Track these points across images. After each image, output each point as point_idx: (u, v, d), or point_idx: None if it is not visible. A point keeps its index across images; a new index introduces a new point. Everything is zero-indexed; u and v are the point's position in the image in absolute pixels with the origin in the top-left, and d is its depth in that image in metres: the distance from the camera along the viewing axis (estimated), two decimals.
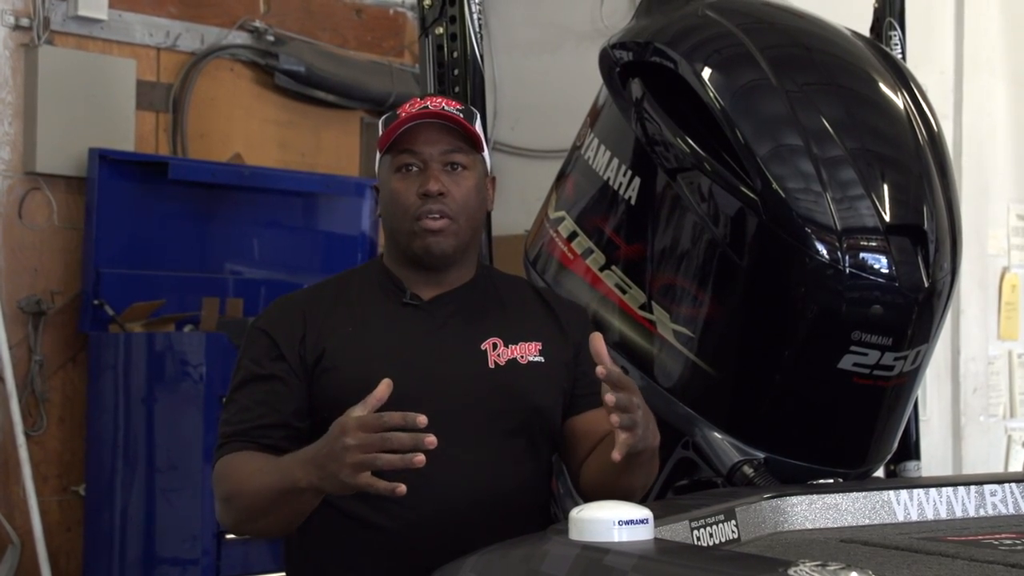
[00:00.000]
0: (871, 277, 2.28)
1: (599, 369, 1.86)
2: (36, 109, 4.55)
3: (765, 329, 2.38)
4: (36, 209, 4.61)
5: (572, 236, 2.67)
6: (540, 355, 2.16)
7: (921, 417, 3.19)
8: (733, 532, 1.94)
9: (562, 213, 2.72)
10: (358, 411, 1.82)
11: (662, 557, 1.51)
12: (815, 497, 2.16)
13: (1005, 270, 5.77)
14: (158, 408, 4.33)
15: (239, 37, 5.17)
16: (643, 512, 1.56)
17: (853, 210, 2.30)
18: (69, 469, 4.65)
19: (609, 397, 1.84)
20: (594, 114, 2.73)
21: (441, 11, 2.68)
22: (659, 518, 1.69)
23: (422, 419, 1.80)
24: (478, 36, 2.69)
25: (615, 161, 2.57)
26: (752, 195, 2.31)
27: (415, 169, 2.13)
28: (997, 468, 5.69)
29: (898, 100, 2.48)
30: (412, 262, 2.16)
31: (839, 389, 2.35)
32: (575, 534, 1.57)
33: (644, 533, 1.55)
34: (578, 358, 2.18)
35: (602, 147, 2.62)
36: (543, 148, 5.20)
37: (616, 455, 1.86)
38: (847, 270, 2.27)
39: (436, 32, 2.69)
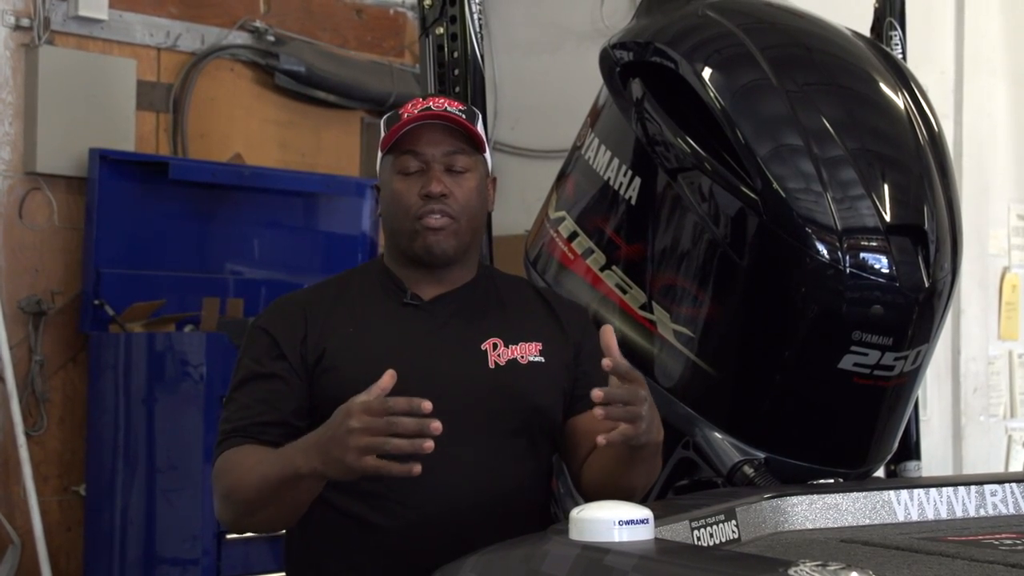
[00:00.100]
0: (871, 277, 2.28)
1: (605, 361, 1.86)
2: (36, 109, 4.55)
3: (765, 329, 2.38)
4: (36, 209, 4.61)
5: (572, 236, 2.67)
6: (540, 355, 2.16)
7: (921, 417, 3.19)
8: (733, 532, 1.94)
9: (562, 213, 2.72)
10: (363, 398, 1.83)
11: (662, 557, 1.51)
12: (815, 497, 2.16)
13: (1005, 270, 5.77)
14: (158, 408, 4.33)
15: (239, 37, 5.17)
16: (643, 512, 1.56)
17: (853, 210, 2.30)
18: (69, 469, 4.65)
19: (597, 392, 1.85)
20: (594, 114, 2.73)
21: (441, 11, 2.68)
22: (659, 518, 1.69)
23: (427, 405, 1.80)
24: (478, 36, 2.69)
25: (615, 161, 2.57)
26: (752, 195, 2.31)
27: (417, 170, 2.13)
28: (997, 468, 5.69)
29: (898, 100, 2.48)
30: (413, 262, 2.16)
31: (839, 389, 2.35)
32: (575, 534, 1.57)
33: (644, 533, 1.55)
34: (578, 358, 2.18)
35: (602, 147, 2.62)
36: (543, 148, 5.20)
37: (600, 439, 1.86)
38: (847, 270, 2.27)
39: (436, 32, 2.69)
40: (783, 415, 2.41)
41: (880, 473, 2.66)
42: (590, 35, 5.00)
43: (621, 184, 2.55)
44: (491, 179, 2.23)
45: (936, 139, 2.47)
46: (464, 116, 2.12)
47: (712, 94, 2.39)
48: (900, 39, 3.05)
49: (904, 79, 2.55)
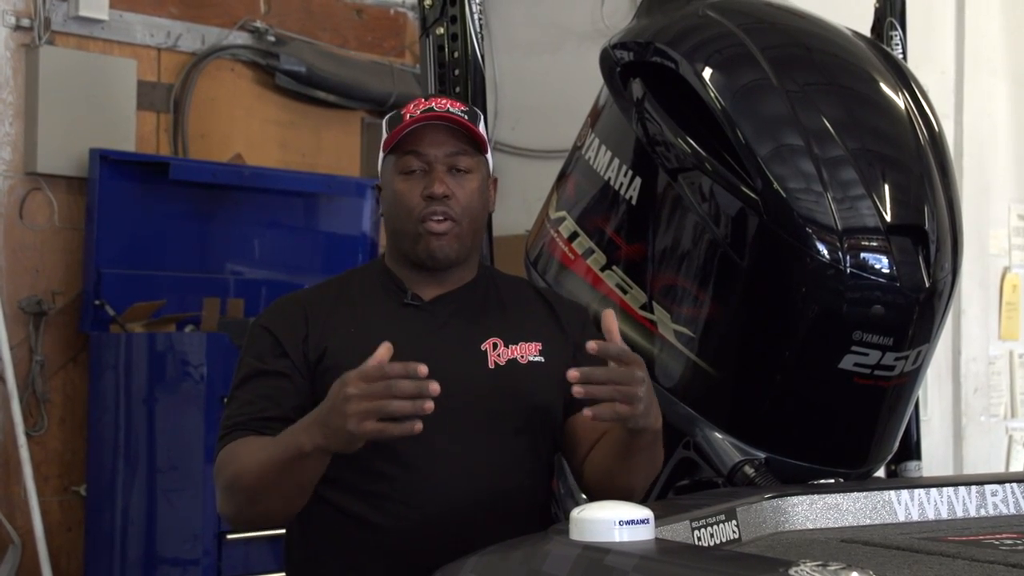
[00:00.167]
0: (872, 277, 2.28)
1: (589, 344, 1.86)
2: (37, 109, 4.55)
3: (766, 329, 2.38)
4: (37, 209, 4.61)
5: (573, 236, 2.67)
6: (540, 355, 2.16)
7: (922, 417, 3.19)
8: (734, 532, 1.94)
9: (563, 213, 2.72)
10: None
11: (663, 557, 1.51)
12: (816, 497, 2.16)
13: (1006, 270, 5.77)
14: (159, 408, 4.33)
15: (240, 37, 5.17)
16: (644, 512, 1.56)
17: (854, 210, 2.30)
18: (70, 469, 4.65)
19: (572, 373, 1.85)
20: (595, 114, 2.73)
21: (442, 11, 2.68)
22: (660, 518, 1.69)
23: (423, 368, 1.80)
24: (479, 36, 2.69)
25: (616, 161, 2.57)
26: (753, 195, 2.31)
27: (419, 171, 2.13)
28: (998, 468, 5.69)
29: (899, 100, 2.48)
30: (414, 263, 2.16)
31: (840, 389, 2.35)
32: (576, 534, 1.57)
33: (645, 533, 1.55)
34: (577, 356, 2.18)
35: (603, 147, 2.62)
36: (544, 148, 5.20)
37: (587, 412, 1.85)
38: (848, 270, 2.27)
39: (437, 32, 2.69)
40: (784, 415, 2.41)
41: (881, 473, 2.66)
42: (590, 35, 5.00)
43: (621, 184, 2.55)
44: (492, 180, 2.23)
45: (936, 139, 2.47)
46: (467, 117, 2.12)
47: (712, 94, 2.39)
48: (900, 39, 3.05)
49: (904, 79, 2.55)
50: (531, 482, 2.15)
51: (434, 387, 1.80)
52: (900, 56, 2.98)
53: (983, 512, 2.28)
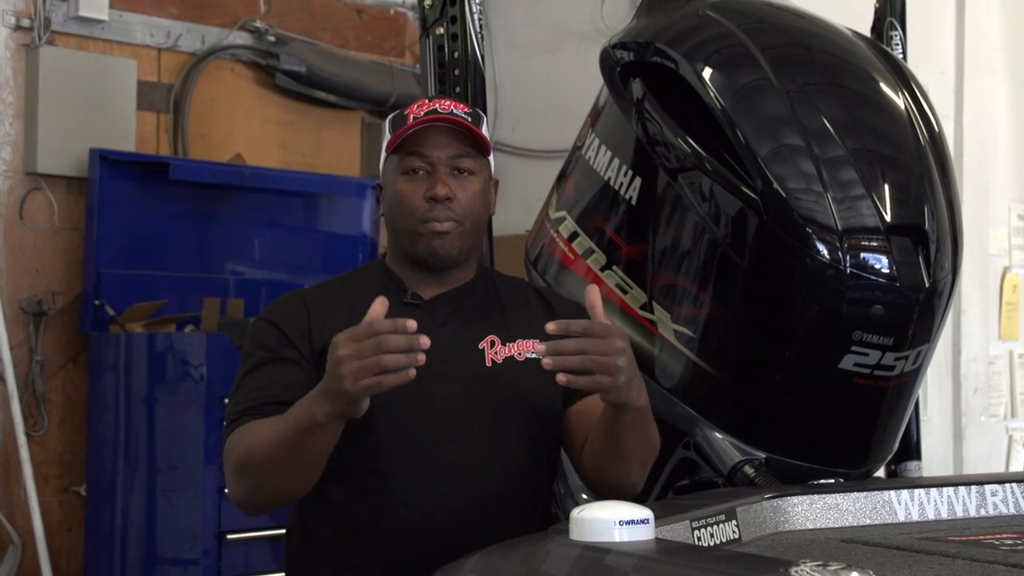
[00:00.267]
0: (872, 277, 2.28)
1: (548, 325, 1.85)
2: (37, 110, 4.55)
3: (766, 329, 2.38)
4: (37, 209, 4.61)
5: (573, 236, 2.67)
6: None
7: (922, 417, 3.19)
8: (734, 532, 1.94)
9: (563, 213, 2.72)
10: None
11: (663, 557, 1.51)
12: (816, 497, 2.16)
13: (1006, 270, 5.77)
14: (159, 408, 4.33)
15: (240, 37, 5.17)
16: (644, 512, 1.56)
17: (854, 210, 2.30)
18: (70, 469, 4.65)
19: (539, 347, 1.85)
20: (595, 114, 2.73)
21: (442, 11, 2.68)
22: (660, 518, 1.69)
23: (411, 323, 1.81)
24: (479, 36, 2.69)
25: (616, 161, 2.57)
26: (753, 195, 2.31)
27: (422, 172, 2.13)
28: (998, 468, 5.69)
29: (899, 100, 2.48)
30: (415, 263, 2.17)
31: (840, 389, 2.35)
32: (576, 534, 1.57)
33: (645, 533, 1.55)
34: None
35: (603, 147, 2.62)
36: (544, 148, 5.20)
37: (561, 378, 1.84)
38: (848, 270, 2.27)
39: (437, 32, 2.69)
40: (784, 415, 2.41)
41: (881, 473, 2.66)
42: (590, 35, 5.00)
43: (621, 184, 2.55)
44: (494, 182, 2.24)
45: (936, 139, 2.47)
46: (470, 119, 2.13)
47: (712, 94, 2.39)
48: (900, 39, 3.05)
49: (904, 79, 2.55)
50: (531, 480, 2.15)
51: (424, 340, 1.81)
52: (900, 56, 2.98)
53: (983, 512, 2.28)
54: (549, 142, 5.01)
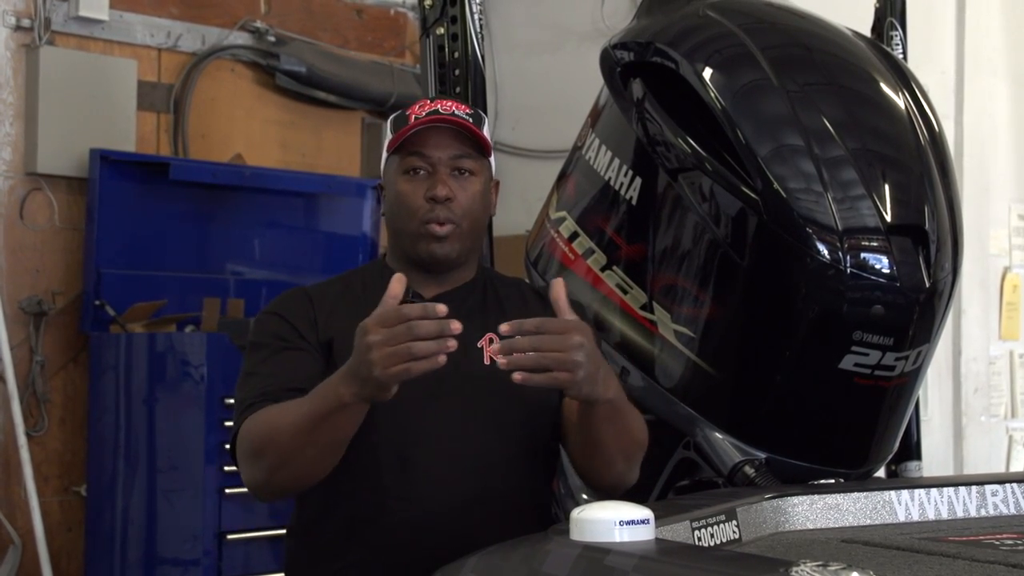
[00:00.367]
0: (872, 277, 2.28)
1: (501, 326, 1.83)
2: (37, 110, 4.55)
3: (766, 329, 2.38)
4: (37, 210, 4.61)
5: (573, 236, 2.67)
6: None
7: (922, 417, 3.19)
8: (734, 532, 1.94)
9: (563, 213, 2.72)
10: (376, 312, 1.82)
11: (663, 557, 1.51)
12: (816, 497, 2.16)
13: (1006, 270, 5.77)
14: (159, 408, 4.33)
15: (240, 38, 5.17)
16: (644, 512, 1.56)
17: (854, 210, 2.30)
18: (70, 469, 4.65)
19: (494, 347, 1.84)
20: (595, 114, 2.73)
21: (442, 11, 2.69)
22: (660, 518, 1.69)
23: (441, 308, 1.79)
24: (479, 36, 2.69)
25: (616, 161, 2.57)
26: (753, 195, 2.31)
27: (423, 172, 2.13)
28: (998, 468, 5.69)
29: (899, 100, 2.48)
30: (415, 263, 2.17)
31: (840, 389, 2.35)
32: (576, 534, 1.57)
33: (645, 533, 1.55)
34: None
35: (603, 147, 2.62)
36: (544, 148, 5.20)
37: (517, 377, 1.80)
38: (848, 270, 2.27)
39: (437, 32, 2.69)
40: (784, 415, 2.41)
41: (881, 473, 2.66)
42: (591, 35, 5.00)
43: (622, 184, 2.55)
44: (494, 183, 2.24)
45: (937, 139, 2.47)
46: (471, 120, 2.13)
47: (713, 94, 2.39)
48: (901, 39, 3.05)
49: (905, 79, 2.55)
50: (529, 478, 2.15)
51: (456, 325, 1.78)
52: (900, 56, 2.98)
53: (983, 512, 2.28)
54: (549, 142, 5.01)
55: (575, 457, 2.11)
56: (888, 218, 2.31)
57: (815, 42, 2.55)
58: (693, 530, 1.83)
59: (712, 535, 1.87)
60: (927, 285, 2.31)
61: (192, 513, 4.14)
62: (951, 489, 2.28)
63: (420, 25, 2.74)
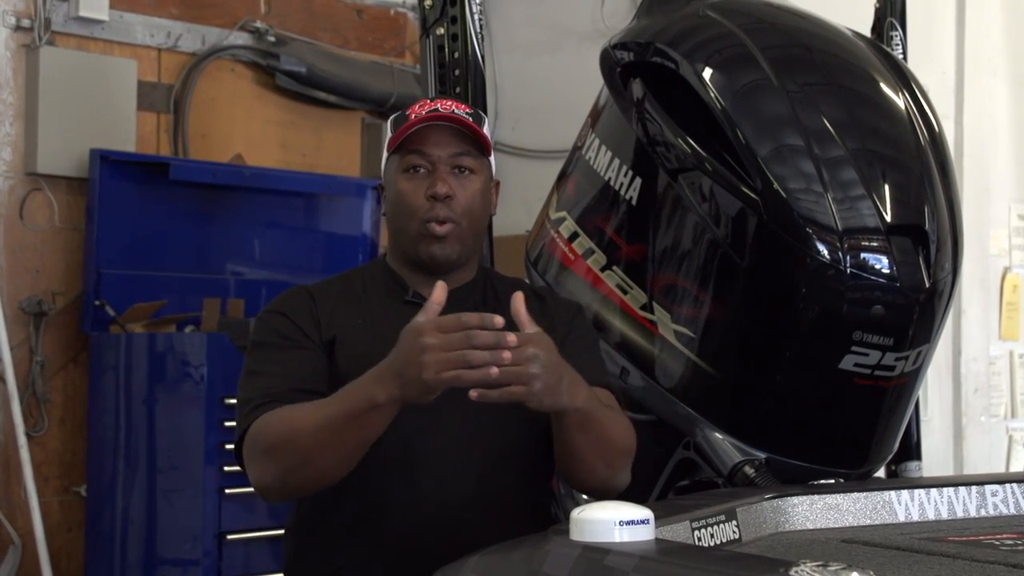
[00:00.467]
0: (872, 277, 2.28)
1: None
2: (37, 110, 4.56)
3: (766, 329, 2.38)
4: (37, 210, 4.61)
5: (573, 236, 2.67)
6: None
7: (922, 417, 3.19)
8: (734, 532, 1.94)
9: (563, 213, 2.72)
10: (422, 317, 1.82)
11: (663, 557, 1.50)
12: (816, 497, 2.16)
13: (1006, 270, 5.77)
14: (159, 409, 4.34)
15: (240, 38, 5.17)
16: (644, 512, 1.56)
17: (854, 210, 2.30)
18: (70, 469, 4.65)
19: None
20: (595, 114, 2.73)
21: (442, 11, 2.69)
22: (660, 518, 1.69)
23: (499, 319, 1.79)
24: (479, 36, 2.69)
25: (616, 161, 2.57)
26: (753, 195, 2.31)
27: (423, 171, 2.14)
28: (998, 468, 5.69)
29: (899, 100, 2.48)
30: (415, 263, 2.17)
31: (840, 389, 2.35)
32: (576, 534, 1.57)
33: (645, 533, 1.55)
34: (563, 346, 2.17)
35: (603, 147, 2.62)
36: (544, 148, 5.20)
37: (473, 394, 1.80)
38: (848, 270, 2.27)
39: (437, 32, 2.69)
40: (784, 415, 2.41)
41: (881, 473, 2.66)
42: (591, 35, 5.00)
43: (622, 184, 2.55)
44: (495, 183, 2.24)
45: (937, 139, 2.47)
46: (471, 119, 2.13)
47: (713, 94, 2.39)
48: (901, 39, 3.05)
49: (905, 79, 2.55)
50: (529, 478, 2.15)
51: (511, 338, 1.78)
52: (900, 56, 2.98)
53: (983, 512, 2.28)
54: (549, 142, 5.01)
55: (557, 463, 2.10)
56: (888, 218, 2.31)
57: (815, 42, 2.55)
58: (693, 530, 1.83)
59: (712, 535, 1.87)
60: (927, 285, 2.31)
61: (192, 513, 4.14)
62: (951, 489, 2.27)
63: (420, 25, 2.74)
